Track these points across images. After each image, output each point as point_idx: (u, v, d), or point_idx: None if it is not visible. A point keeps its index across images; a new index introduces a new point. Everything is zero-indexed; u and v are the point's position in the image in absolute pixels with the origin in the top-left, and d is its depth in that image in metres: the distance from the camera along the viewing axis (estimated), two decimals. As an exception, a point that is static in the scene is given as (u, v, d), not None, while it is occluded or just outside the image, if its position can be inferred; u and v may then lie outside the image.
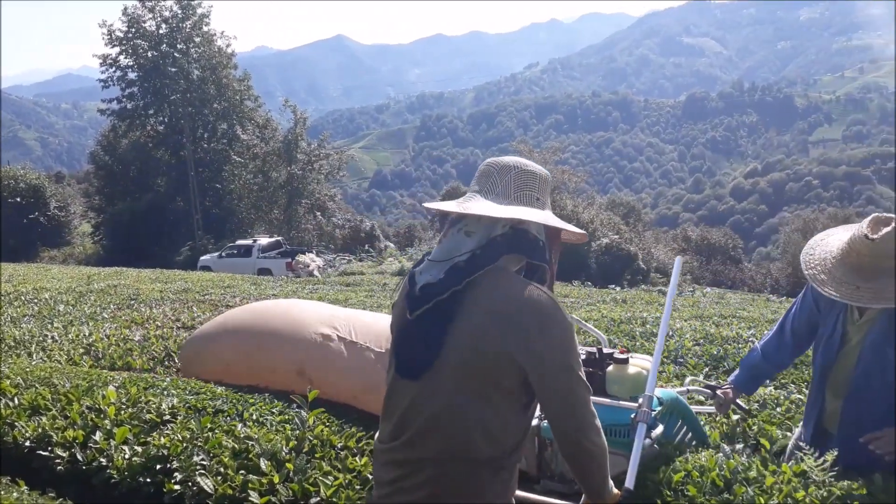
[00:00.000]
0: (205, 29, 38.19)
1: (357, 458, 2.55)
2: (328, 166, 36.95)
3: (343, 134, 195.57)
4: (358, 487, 2.40)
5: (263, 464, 2.49)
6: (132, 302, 8.04)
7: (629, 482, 2.00)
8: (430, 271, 1.64)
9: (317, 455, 2.61)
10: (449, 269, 1.60)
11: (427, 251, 1.86)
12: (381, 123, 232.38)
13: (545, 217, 1.67)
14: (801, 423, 2.66)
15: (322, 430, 2.74)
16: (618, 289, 17.52)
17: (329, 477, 2.43)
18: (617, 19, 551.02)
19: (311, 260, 23.34)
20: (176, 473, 2.50)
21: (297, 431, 2.73)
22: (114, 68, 37.41)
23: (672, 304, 2.54)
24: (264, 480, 2.42)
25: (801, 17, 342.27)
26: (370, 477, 2.43)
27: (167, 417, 2.97)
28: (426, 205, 1.88)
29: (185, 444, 2.64)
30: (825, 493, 2.21)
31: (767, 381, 3.84)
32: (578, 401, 1.58)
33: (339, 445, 2.68)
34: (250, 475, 2.45)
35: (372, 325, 3.72)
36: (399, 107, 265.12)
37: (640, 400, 2.28)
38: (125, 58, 37.36)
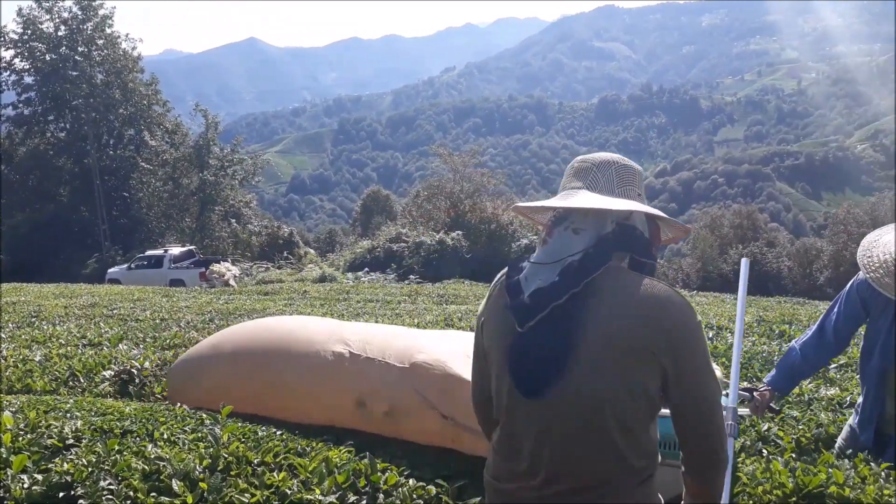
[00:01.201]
0: (108, 31, 36.64)
1: (275, 474, 2.49)
2: (242, 171, 36.17)
3: (258, 138, 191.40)
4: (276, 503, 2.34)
5: (176, 485, 2.39)
6: (33, 319, 7.59)
7: (725, 500, 1.92)
8: (540, 275, 1.49)
9: (232, 472, 2.53)
10: (563, 271, 1.46)
11: (518, 257, 1.66)
12: (298, 127, 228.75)
13: (657, 211, 1.59)
14: (850, 424, 2.65)
15: (237, 447, 2.65)
16: (538, 288, 17.87)
17: (245, 494, 2.35)
18: (530, 24, 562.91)
19: (227, 269, 22.69)
20: (81, 501, 2.37)
21: (212, 449, 2.64)
22: (8, 72, 35.35)
23: (744, 309, 2.40)
24: (177, 502, 2.32)
25: (703, 23, 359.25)
26: (289, 492, 2.37)
27: (70, 441, 2.81)
28: (519, 205, 1.68)
29: (90, 469, 2.50)
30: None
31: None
32: (715, 404, 1.48)
33: (255, 461, 2.61)
34: (162, 497, 2.35)
35: (387, 339, 3.38)
36: (316, 110, 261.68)
37: (724, 412, 2.15)
38: (21, 61, 35.37)
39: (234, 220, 34.90)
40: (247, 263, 26.46)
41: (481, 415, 1.77)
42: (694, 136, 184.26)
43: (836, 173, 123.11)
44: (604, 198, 1.52)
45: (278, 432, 2.99)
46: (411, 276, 20.01)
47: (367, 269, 22.02)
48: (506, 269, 1.61)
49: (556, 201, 1.54)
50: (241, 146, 38.16)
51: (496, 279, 1.64)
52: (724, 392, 2.75)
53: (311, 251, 32.21)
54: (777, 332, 6.05)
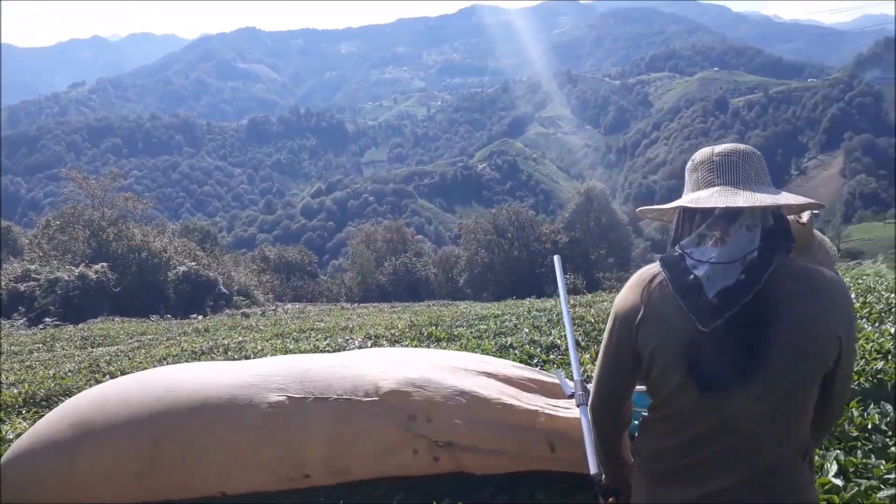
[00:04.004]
0: None
1: None
2: None
3: None
4: None
5: None
6: None
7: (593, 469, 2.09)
8: (723, 275, 1.52)
9: None
10: (746, 268, 1.51)
11: (667, 255, 1.62)
12: None
13: (812, 200, 1.63)
14: None
15: None
16: (200, 317, 17.02)
17: None
18: (168, 41, 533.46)
19: None
20: None
21: None
22: None
23: (567, 302, 2.59)
24: None
25: (343, 51, 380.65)
26: None
27: None
28: (685, 203, 1.60)
29: None
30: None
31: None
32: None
33: None
34: None
35: (325, 371, 2.77)
36: None
37: (573, 384, 2.35)
38: None
39: None
40: None
41: (607, 416, 1.80)
42: (344, 157, 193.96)
43: (464, 189, 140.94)
44: (785, 195, 1.58)
45: None
46: (46, 320, 17.45)
47: (-14, 316, 18.61)
48: (655, 268, 1.64)
49: (719, 199, 1.55)
50: None
51: (645, 278, 1.64)
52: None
53: None
54: (426, 333, 6.58)
